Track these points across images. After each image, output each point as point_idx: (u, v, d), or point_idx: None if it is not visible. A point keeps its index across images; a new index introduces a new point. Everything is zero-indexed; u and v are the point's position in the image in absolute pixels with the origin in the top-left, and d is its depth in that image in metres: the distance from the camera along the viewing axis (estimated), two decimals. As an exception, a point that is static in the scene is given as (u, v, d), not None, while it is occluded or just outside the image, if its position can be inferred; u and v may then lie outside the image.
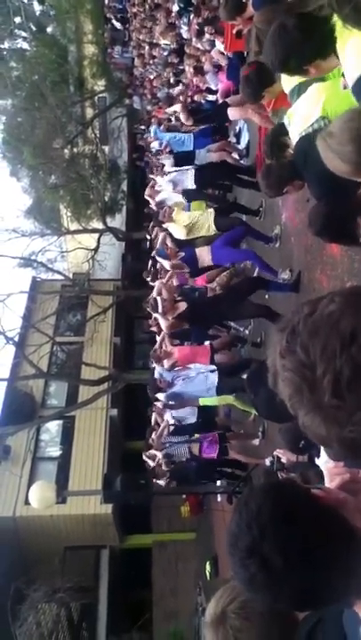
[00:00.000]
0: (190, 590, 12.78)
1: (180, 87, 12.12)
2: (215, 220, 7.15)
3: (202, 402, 7.22)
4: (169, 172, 8.28)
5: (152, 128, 9.69)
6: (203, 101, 10.37)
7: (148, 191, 8.87)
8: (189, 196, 8.12)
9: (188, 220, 7.25)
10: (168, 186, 8.14)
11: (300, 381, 0.90)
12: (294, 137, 3.47)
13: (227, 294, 6.84)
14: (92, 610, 13.67)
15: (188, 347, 7.36)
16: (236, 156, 8.73)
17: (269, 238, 7.05)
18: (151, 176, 9.55)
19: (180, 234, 7.38)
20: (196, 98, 10.68)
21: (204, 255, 7.04)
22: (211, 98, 10.15)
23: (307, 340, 0.89)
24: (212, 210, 7.52)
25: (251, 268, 7.95)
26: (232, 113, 7.54)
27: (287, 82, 3.41)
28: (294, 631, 1.47)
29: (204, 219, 7.22)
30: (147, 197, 9.04)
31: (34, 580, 12.18)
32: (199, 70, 9.98)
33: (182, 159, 8.21)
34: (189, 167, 7.99)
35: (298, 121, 3.38)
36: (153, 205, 8.91)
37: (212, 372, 6.74)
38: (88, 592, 13.56)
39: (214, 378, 6.67)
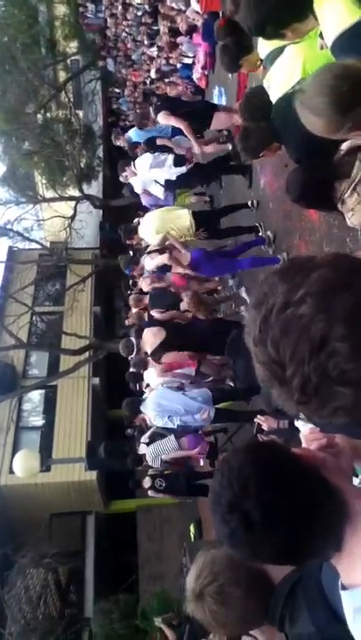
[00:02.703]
0: (175, 552, 13.07)
1: (154, 49, 11.84)
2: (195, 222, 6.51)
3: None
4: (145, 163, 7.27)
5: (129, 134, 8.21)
6: (178, 65, 10.17)
7: (122, 177, 7.98)
8: (172, 186, 7.34)
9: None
10: (145, 169, 7.24)
11: (270, 376, 0.93)
12: (275, 99, 3.42)
13: (207, 328, 6.22)
14: (80, 573, 13.95)
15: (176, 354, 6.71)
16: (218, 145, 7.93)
17: (259, 240, 6.58)
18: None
19: (156, 225, 6.67)
20: (172, 61, 10.46)
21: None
22: (187, 61, 9.95)
23: (278, 337, 0.91)
24: (188, 211, 6.68)
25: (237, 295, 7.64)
26: (217, 121, 6.95)
27: (264, 46, 3.35)
28: (270, 596, 1.54)
29: (182, 214, 6.53)
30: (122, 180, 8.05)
31: (21, 547, 12.37)
32: (174, 33, 9.74)
33: (153, 144, 7.38)
34: (166, 153, 7.14)
35: (278, 84, 3.33)
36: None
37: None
38: (75, 557, 13.83)
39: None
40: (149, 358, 6.43)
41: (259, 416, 3.82)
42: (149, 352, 6.23)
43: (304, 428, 2.22)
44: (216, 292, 7.97)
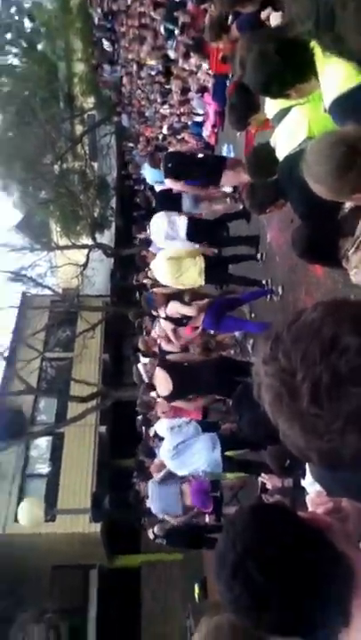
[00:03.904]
0: (179, 612, 12.64)
1: (166, 107, 12.25)
2: (206, 272, 6.56)
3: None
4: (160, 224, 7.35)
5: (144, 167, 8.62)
6: (189, 123, 10.48)
7: (138, 234, 8.22)
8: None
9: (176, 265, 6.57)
10: (160, 238, 7.29)
11: (280, 387, 0.89)
12: (281, 157, 3.50)
13: (211, 366, 6.14)
14: (82, 631, 13.49)
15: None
16: (228, 201, 8.06)
17: (266, 290, 6.66)
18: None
19: (168, 279, 6.72)
20: (183, 119, 10.79)
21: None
22: (198, 119, 10.26)
23: (289, 347, 0.89)
24: (201, 259, 6.72)
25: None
26: (226, 179, 7.04)
27: (271, 106, 3.45)
28: None
29: (191, 267, 6.61)
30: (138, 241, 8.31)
31: (22, 601, 12.03)
32: (185, 92, 10.10)
33: (167, 202, 7.49)
34: (177, 214, 7.24)
35: (284, 143, 3.42)
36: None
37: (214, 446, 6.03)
38: (77, 612, 13.40)
39: (216, 454, 5.94)
40: (157, 398, 6.39)
41: (263, 474, 3.74)
42: (157, 395, 6.20)
43: (311, 488, 2.17)
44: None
